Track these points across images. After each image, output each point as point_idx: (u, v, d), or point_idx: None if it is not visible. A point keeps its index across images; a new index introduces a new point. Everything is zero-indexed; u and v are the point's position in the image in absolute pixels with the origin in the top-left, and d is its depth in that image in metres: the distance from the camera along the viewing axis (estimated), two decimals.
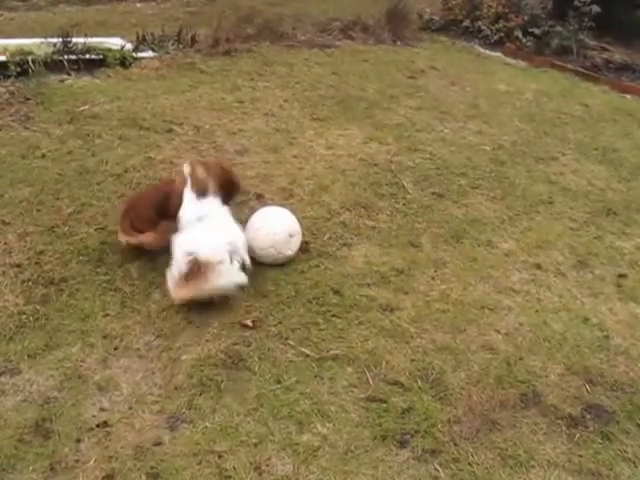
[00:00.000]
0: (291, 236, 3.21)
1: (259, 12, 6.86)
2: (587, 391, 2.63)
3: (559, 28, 7.32)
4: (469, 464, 2.26)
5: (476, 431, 2.40)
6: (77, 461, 2.16)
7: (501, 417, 2.47)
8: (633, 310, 3.16)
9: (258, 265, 3.19)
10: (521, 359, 2.77)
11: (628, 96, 6.37)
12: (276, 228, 3.17)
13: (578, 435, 2.42)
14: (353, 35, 7.00)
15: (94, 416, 2.33)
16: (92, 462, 2.15)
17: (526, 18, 7.45)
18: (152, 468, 2.15)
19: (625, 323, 3.06)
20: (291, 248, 3.22)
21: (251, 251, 3.19)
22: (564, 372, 2.72)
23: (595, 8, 6.92)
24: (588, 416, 2.51)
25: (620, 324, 3.05)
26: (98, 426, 2.29)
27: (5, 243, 3.19)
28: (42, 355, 2.58)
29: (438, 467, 2.25)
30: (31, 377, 2.47)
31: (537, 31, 7.32)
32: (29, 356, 2.56)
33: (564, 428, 2.45)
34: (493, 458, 2.29)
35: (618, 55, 7.34)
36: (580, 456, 2.33)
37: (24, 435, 2.24)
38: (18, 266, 3.05)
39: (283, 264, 3.22)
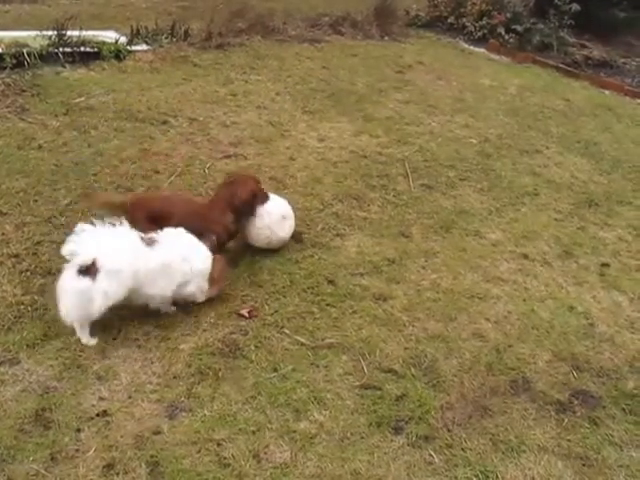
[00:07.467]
0: (284, 218, 3.26)
1: (251, 7, 6.85)
2: (574, 377, 2.71)
3: (540, 25, 7.49)
4: (462, 449, 2.32)
5: (468, 417, 2.45)
6: (77, 450, 2.17)
7: (492, 403, 2.53)
8: (616, 298, 3.25)
9: (254, 254, 3.23)
10: (510, 346, 2.84)
11: (607, 91, 6.54)
12: (269, 209, 3.23)
13: (566, 420, 2.49)
14: (342, 30, 7.06)
15: (94, 405, 2.34)
16: (92, 451, 2.17)
17: (509, 16, 7.60)
18: (152, 457, 2.17)
19: (609, 311, 3.15)
20: (284, 230, 3.26)
21: (247, 231, 3.24)
22: (552, 359, 2.80)
23: (575, 6, 7.12)
24: (576, 401, 2.58)
25: (604, 312, 3.14)
26: (98, 415, 2.30)
27: (2, 234, 3.17)
28: (41, 345, 2.57)
29: (432, 453, 2.30)
30: (30, 367, 2.47)
31: (519, 28, 7.48)
32: (28, 346, 2.56)
33: (553, 413, 2.52)
34: (485, 443, 2.35)
35: (597, 52, 7.53)
36: (569, 440, 2.40)
37: (24, 425, 2.23)
38: (16, 256, 3.03)
39: (277, 251, 3.26)
